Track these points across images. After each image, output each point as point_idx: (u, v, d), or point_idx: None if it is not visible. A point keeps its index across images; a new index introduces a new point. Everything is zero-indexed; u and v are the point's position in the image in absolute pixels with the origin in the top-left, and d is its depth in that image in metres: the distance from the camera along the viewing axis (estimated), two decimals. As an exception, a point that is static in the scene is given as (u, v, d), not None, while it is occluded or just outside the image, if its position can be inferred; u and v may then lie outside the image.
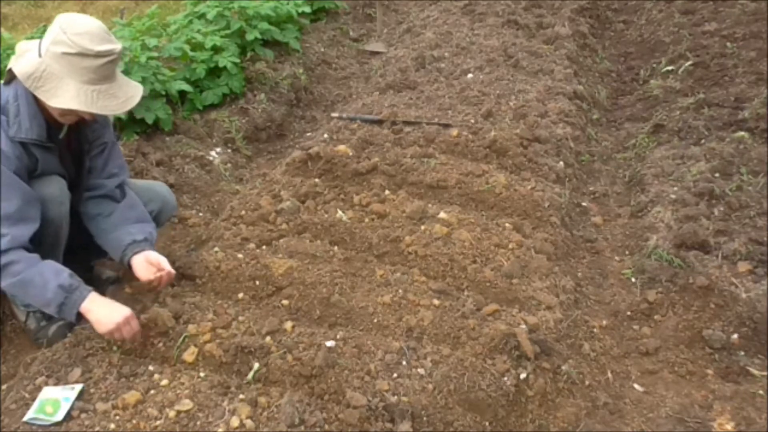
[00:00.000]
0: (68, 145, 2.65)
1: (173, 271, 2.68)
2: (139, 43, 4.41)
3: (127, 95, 2.47)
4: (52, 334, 2.72)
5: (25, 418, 2.22)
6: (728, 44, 5.39)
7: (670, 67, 5.32)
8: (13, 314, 2.87)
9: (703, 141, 4.21)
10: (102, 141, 2.74)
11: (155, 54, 4.46)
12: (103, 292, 2.77)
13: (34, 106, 2.43)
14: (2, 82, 2.48)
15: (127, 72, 4.12)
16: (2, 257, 2.31)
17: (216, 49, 4.92)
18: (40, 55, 2.34)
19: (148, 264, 2.63)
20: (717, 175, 3.78)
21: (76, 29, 2.31)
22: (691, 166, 3.89)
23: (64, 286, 2.36)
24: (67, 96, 2.32)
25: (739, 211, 3.46)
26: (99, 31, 2.35)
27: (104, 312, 2.40)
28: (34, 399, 2.28)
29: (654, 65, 5.57)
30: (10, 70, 2.42)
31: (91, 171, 2.74)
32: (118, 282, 2.93)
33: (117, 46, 2.38)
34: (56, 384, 2.35)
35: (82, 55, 2.30)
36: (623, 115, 5.03)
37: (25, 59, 2.37)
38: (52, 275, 2.36)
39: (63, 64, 2.31)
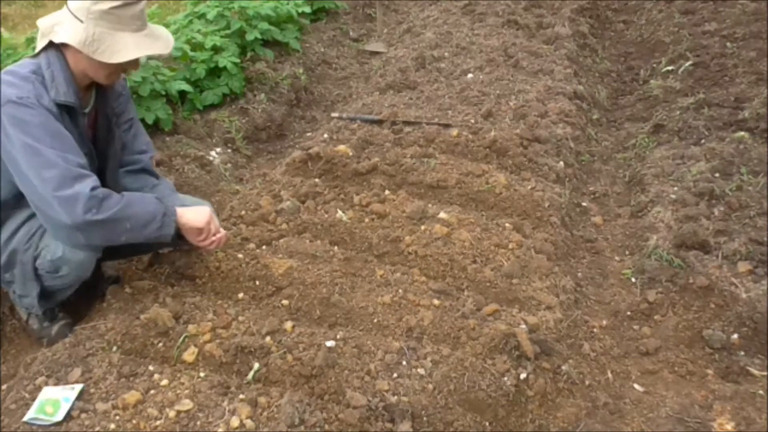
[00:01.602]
0: (91, 123, 2.67)
1: (226, 233, 2.81)
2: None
3: (163, 34, 2.56)
4: (54, 334, 2.73)
5: (25, 418, 2.21)
6: (728, 44, 5.39)
7: (670, 67, 5.32)
8: (14, 314, 2.87)
9: (703, 141, 4.21)
10: (129, 116, 2.81)
11: (155, 54, 4.46)
12: (103, 292, 2.80)
13: (68, 72, 2.43)
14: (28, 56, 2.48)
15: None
16: (99, 193, 2.32)
17: (216, 49, 4.93)
18: (81, 21, 2.35)
19: (198, 227, 2.67)
20: (717, 175, 3.78)
21: None
22: (691, 166, 3.89)
23: (159, 198, 2.52)
24: (127, 48, 2.39)
25: (739, 211, 3.46)
26: None
27: (192, 213, 2.58)
28: (34, 399, 2.28)
29: (654, 65, 5.58)
30: (43, 46, 2.42)
31: (123, 148, 2.80)
32: (117, 282, 2.92)
33: None
34: (56, 384, 2.35)
35: (127, 4, 2.37)
36: (623, 115, 5.03)
37: (64, 30, 2.37)
38: (142, 197, 2.50)
39: (111, 20, 2.36)
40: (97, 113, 2.67)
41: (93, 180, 2.35)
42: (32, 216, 2.51)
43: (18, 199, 2.48)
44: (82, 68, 2.45)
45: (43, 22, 2.46)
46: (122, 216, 2.36)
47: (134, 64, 2.51)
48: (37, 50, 2.44)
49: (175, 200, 2.74)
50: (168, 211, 2.49)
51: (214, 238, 2.67)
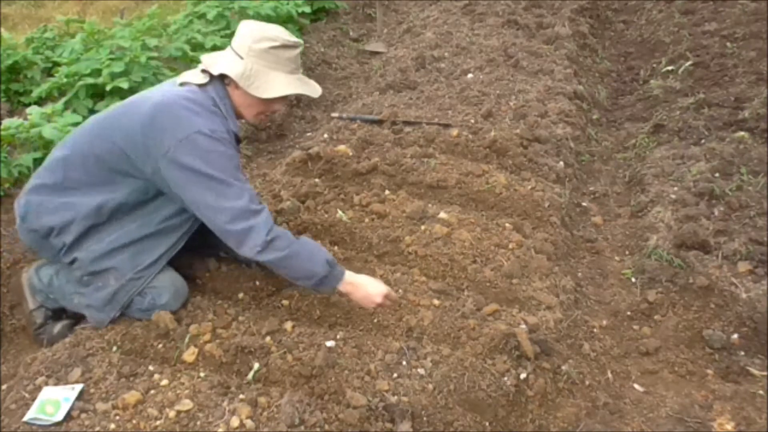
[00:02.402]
0: None
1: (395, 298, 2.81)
2: (140, 43, 4.42)
3: (312, 81, 2.74)
4: (56, 333, 2.73)
5: (25, 418, 2.21)
6: (728, 44, 5.39)
7: (670, 67, 5.32)
8: (14, 314, 2.88)
9: (703, 141, 4.22)
10: None
11: (155, 54, 4.47)
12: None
13: (233, 108, 2.64)
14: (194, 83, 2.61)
15: (127, 72, 4.12)
16: (269, 234, 2.43)
17: (216, 49, 4.92)
18: (241, 57, 2.54)
19: None
20: (717, 175, 3.78)
21: (271, 26, 2.61)
22: (691, 166, 3.90)
23: (329, 261, 2.53)
24: (280, 85, 2.57)
25: (739, 211, 3.47)
26: (284, 29, 2.64)
27: (364, 293, 2.58)
28: (34, 399, 2.28)
29: (654, 65, 5.58)
30: (207, 73, 2.59)
31: None
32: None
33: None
34: (56, 384, 2.34)
35: (285, 46, 2.56)
36: (623, 115, 5.03)
37: (225, 63, 2.56)
38: (316, 249, 2.56)
39: (269, 59, 2.54)
40: None
41: (267, 216, 2.48)
42: (146, 246, 2.60)
43: (133, 208, 2.59)
44: (238, 104, 2.64)
45: (206, 57, 2.65)
46: (282, 265, 2.49)
47: (280, 105, 2.73)
48: (197, 81, 2.59)
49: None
50: (331, 275, 2.53)
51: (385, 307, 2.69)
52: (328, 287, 2.54)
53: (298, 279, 2.54)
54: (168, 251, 2.66)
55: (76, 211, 2.54)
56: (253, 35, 2.55)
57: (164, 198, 2.59)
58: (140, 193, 2.57)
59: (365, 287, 2.59)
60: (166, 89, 2.60)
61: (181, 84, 2.60)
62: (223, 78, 2.59)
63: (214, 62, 2.60)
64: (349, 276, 2.58)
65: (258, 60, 2.54)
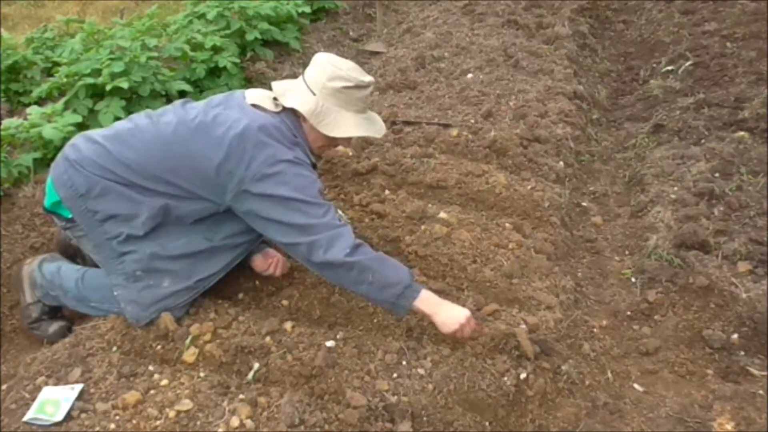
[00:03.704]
0: None
1: (285, 259, 2.88)
2: (139, 43, 4.41)
3: (379, 121, 2.80)
4: (51, 332, 2.73)
5: (25, 418, 2.22)
6: (728, 44, 5.39)
7: (670, 67, 5.32)
8: (14, 314, 2.88)
9: (703, 141, 4.21)
10: None
11: (155, 54, 4.46)
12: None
13: (305, 138, 2.68)
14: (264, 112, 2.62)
15: (127, 72, 4.12)
16: (355, 240, 2.47)
17: (216, 49, 4.93)
18: (313, 93, 2.59)
19: (264, 258, 2.88)
20: (717, 175, 3.78)
21: (347, 65, 2.64)
22: (691, 166, 3.90)
23: (411, 273, 2.53)
24: (348, 126, 2.63)
25: (739, 211, 3.47)
26: (358, 66, 2.68)
27: (447, 313, 2.51)
28: (34, 399, 2.28)
29: (654, 65, 5.57)
30: (279, 103, 2.63)
31: None
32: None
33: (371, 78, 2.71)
34: (56, 384, 2.35)
35: (358, 87, 2.61)
36: (623, 115, 5.03)
37: (298, 97, 2.60)
38: (396, 263, 2.56)
39: (340, 98, 2.60)
40: None
41: (351, 229, 2.51)
42: (207, 258, 2.65)
43: (199, 219, 2.63)
44: (306, 134, 2.67)
45: (278, 85, 2.69)
46: (370, 266, 2.45)
47: (345, 142, 2.81)
48: (271, 108, 2.62)
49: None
50: (413, 287, 2.49)
51: (467, 336, 2.59)
52: (409, 299, 2.47)
53: (383, 287, 2.45)
54: (225, 266, 2.70)
55: (142, 207, 2.53)
56: (328, 72, 2.58)
57: (230, 215, 2.61)
58: (209, 210, 2.61)
59: (447, 308, 2.53)
60: (245, 111, 2.57)
61: (253, 105, 2.60)
62: (294, 109, 2.61)
63: (286, 93, 2.63)
64: (429, 293, 2.53)
65: (329, 98, 2.59)
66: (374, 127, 2.75)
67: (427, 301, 2.49)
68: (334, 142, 2.73)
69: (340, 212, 3.29)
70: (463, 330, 2.49)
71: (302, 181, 2.48)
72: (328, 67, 2.60)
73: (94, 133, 2.68)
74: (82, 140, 2.64)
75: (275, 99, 2.64)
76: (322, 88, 2.58)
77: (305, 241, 2.44)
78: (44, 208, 2.73)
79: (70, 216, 2.61)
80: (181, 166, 2.51)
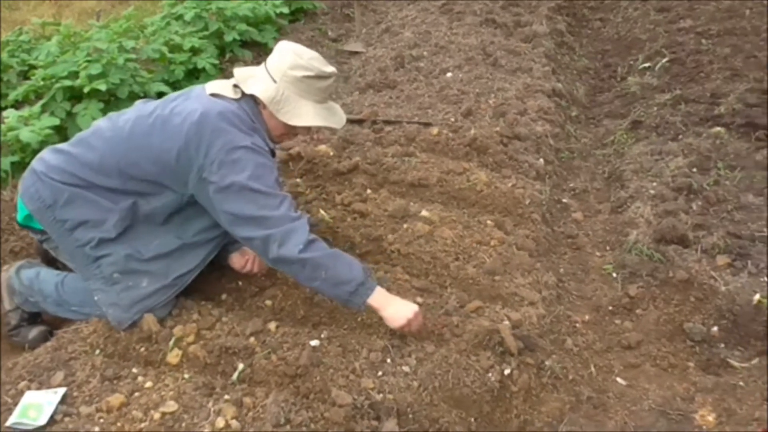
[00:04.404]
0: None
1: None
2: (117, 45, 4.39)
3: (339, 111, 2.82)
4: (32, 338, 2.71)
5: (7, 423, 2.20)
6: (703, 41, 5.45)
7: (646, 64, 5.37)
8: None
9: (680, 137, 4.26)
10: None
11: (133, 56, 4.44)
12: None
13: (264, 125, 2.68)
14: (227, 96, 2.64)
15: (104, 74, 4.09)
16: (309, 235, 2.46)
17: (194, 51, 4.91)
18: (274, 81, 2.60)
19: (241, 255, 2.86)
20: (694, 170, 3.82)
21: (310, 54, 2.65)
22: (669, 162, 3.94)
23: (365, 270, 2.55)
24: (307, 115, 2.63)
25: (717, 206, 3.51)
26: (321, 56, 2.69)
27: (396, 307, 2.54)
28: (16, 404, 2.26)
29: (631, 62, 5.62)
30: (238, 88, 2.64)
31: None
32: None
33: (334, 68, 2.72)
34: (39, 388, 2.33)
35: (319, 77, 2.62)
36: (601, 112, 5.06)
37: (259, 84, 2.61)
38: (351, 259, 2.57)
39: (300, 87, 2.61)
40: None
41: (306, 222, 2.50)
42: (182, 255, 2.64)
43: (168, 217, 2.63)
44: (266, 122, 2.68)
45: (240, 71, 2.69)
46: (323, 263, 2.45)
47: (303, 131, 2.81)
48: (230, 95, 2.62)
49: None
50: (367, 284, 2.50)
51: (414, 331, 2.61)
52: (363, 296, 2.49)
53: (336, 284, 2.47)
54: (201, 262, 2.70)
55: (111, 210, 2.53)
56: (290, 60, 2.60)
57: (198, 211, 2.60)
58: (175, 203, 2.60)
59: (396, 303, 2.56)
60: (203, 100, 2.58)
61: (212, 94, 2.60)
62: (254, 96, 2.62)
63: (248, 80, 2.64)
64: (381, 290, 2.55)
65: (290, 86, 2.60)
66: (333, 118, 2.75)
67: (378, 298, 2.52)
68: (293, 130, 2.73)
69: (323, 213, 3.29)
70: (410, 325, 2.53)
71: (259, 170, 2.47)
72: (290, 56, 2.61)
73: (60, 145, 2.70)
74: (48, 152, 2.67)
75: (236, 86, 2.65)
76: (283, 76, 2.60)
77: (260, 236, 2.43)
78: (18, 223, 2.74)
79: (42, 228, 2.62)
80: (142, 158, 2.51)
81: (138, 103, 2.76)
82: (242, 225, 2.46)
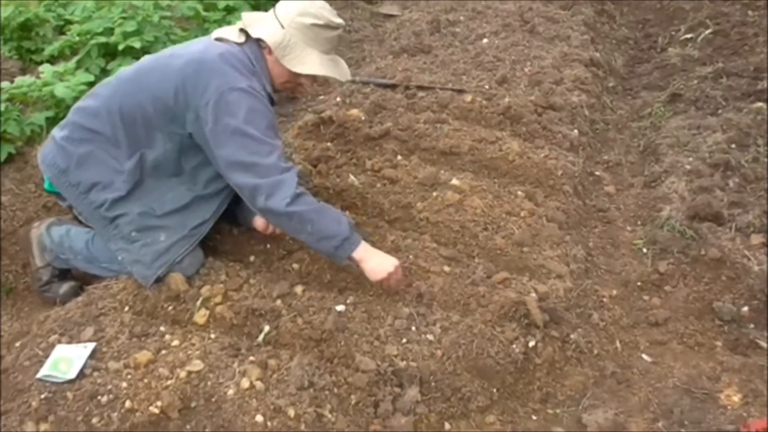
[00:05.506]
0: None
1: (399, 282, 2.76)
2: (152, 2, 4.37)
3: (343, 64, 2.83)
4: (63, 293, 2.77)
5: (38, 375, 2.25)
6: (750, 12, 5.29)
7: (688, 35, 5.23)
8: (27, 272, 2.91)
9: (720, 111, 4.16)
10: None
11: (168, 14, 4.43)
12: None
13: (267, 71, 2.67)
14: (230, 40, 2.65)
15: (139, 31, 4.09)
16: (297, 188, 2.47)
17: (229, 9, 4.88)
18: (282, 26, 2.60)
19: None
20: (733, 146, 3.73)
21: (320, 3, 2.66)
22: (707, 137, 3.85)
23: (351, 224, 2.58)
24: (312, 63, 2.64)
25: (755, 183, 3.43)
26: (331, 8, 2.71)
27: (377, 261, 2.57)
28: (47, 356, 2.31)
29: (672, 33, 5.48)
30: (244, 33, 2.65)
31: None
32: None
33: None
34: (69, 342, 2.38)
35: (328, 26, 2.65)
36: (639, 84, 4.96)
37: (266, 28, 2.61)
38: (338, 211, 2.63)
39: (308, 35, 2.61)
40: None
41: (295, 173, 2.52)
42: (196, 207, 2.67)
43: (175, 168, 2.65)
44: (269, 69, 2.67)
45: (248, 16, 2.71)
46: (309, 218, 2.48)
47: (307, 81, 2.76)
48: (234, 39, 2.63)
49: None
50: (352, 239, 2.53)
51: (393, 286, 2.65)
52: (347, 251, 2.52)
53: (321, 238, 2.51)
54: (215, 212, 2.72)
55: (120, 166, 2.57)
56: (299, 7, 2.60)
57: (204, 158, 2.61)
58: (176, 149, 2.60)
59: (378, 257, 2.58)
60: (206, 43, 2.63)
61: (217, 39, 2.63)
62: (259, 40, 2.61)
63: (255, 23, 2.64)
64: (365, 244, 2.58)
65: (297, 33, 2.60)
66: (338, 69, 2.76)
67: (361, 252, 2.54)
68: (297, 79, 2.72)
69: (353, 178, 3.28)
70: (390, 278, 2.56)
71: (252, 114, 2.48)
72: (300, 3, 2.62)
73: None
74: (69, 114, 2.72)
75: (242, 30, 2.65)
76: (291, 22, 2.60)
77: (249, 184, 2.45)
78: (45, 190, 2.82)
79: None
80: (144, 99, 2.54)
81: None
82: (233, 170, 2.48)
